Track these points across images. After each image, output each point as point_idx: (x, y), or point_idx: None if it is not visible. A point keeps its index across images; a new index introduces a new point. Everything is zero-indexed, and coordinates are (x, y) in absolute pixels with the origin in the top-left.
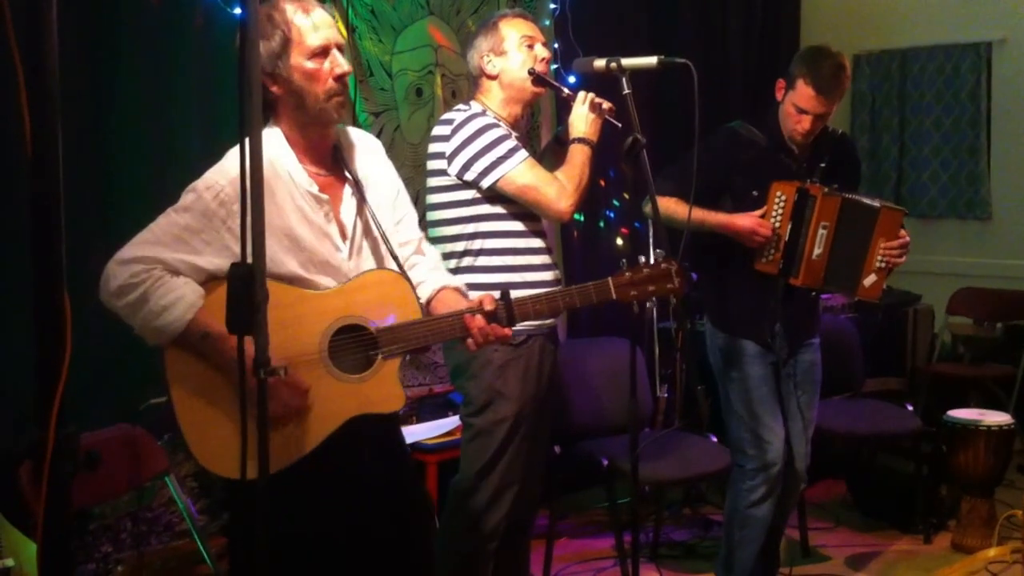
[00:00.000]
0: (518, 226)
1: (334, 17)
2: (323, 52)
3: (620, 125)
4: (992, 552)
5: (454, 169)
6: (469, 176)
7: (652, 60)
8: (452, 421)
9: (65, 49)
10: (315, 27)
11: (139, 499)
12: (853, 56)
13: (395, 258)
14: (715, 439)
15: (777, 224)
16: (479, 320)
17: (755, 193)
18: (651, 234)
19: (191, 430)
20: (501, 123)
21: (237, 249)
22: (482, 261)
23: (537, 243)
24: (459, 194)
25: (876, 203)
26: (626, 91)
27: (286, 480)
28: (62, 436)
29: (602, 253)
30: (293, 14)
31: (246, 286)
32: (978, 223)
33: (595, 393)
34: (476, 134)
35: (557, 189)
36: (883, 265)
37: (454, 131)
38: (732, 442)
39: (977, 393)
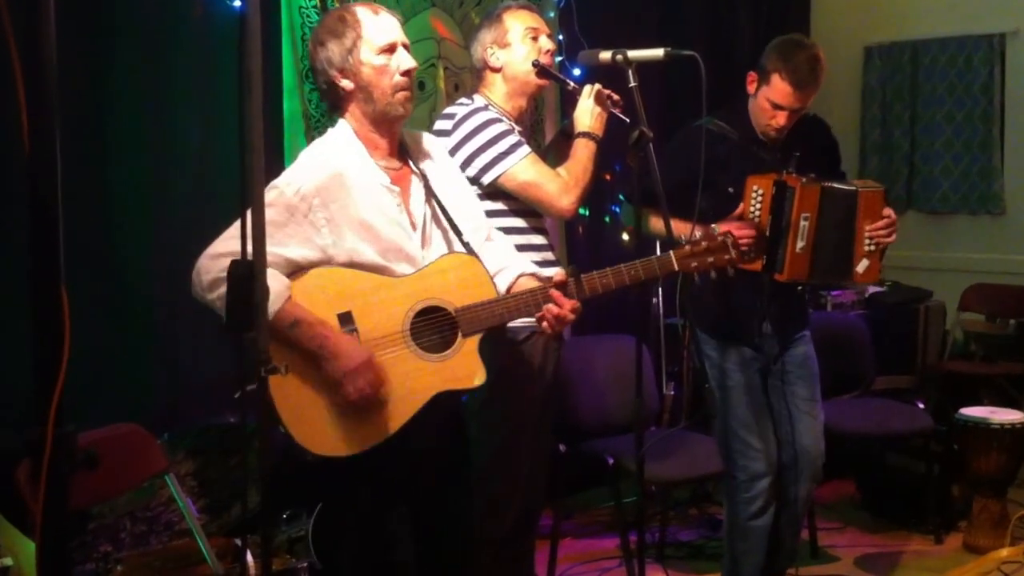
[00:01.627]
0: (519, 223)
1: (400, 21)
2: (390, 49)
3: (628, 120)
4: (1004, 552)
5: (455, 164)
6: (470, 172)
7: (659, 52)
8: None
9: (63, 45)
10: (383, 27)
11: (138, 498)
12: (864, 48)
13: (465, 244)
14: (719, 446)
15: (756, 220)
16: (556, 295)
17: (731, 190)
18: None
19: (289, 413)
20: (504, 117)
21: (319, 241)
22: None
23: (538, 240)
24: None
25: (853, 186)
26: (632, 84)
27: (380, 456)
28: (60, 435)
29: (607, 249)
30: (363, 15)
31: (247, 284)
32: (991, 218)
33: (601, 391)
34: (478, 129)
35: (560, 186)
36: (873, 248)
37: (455, 126)
38: (724, 452)
39: (989, 391)
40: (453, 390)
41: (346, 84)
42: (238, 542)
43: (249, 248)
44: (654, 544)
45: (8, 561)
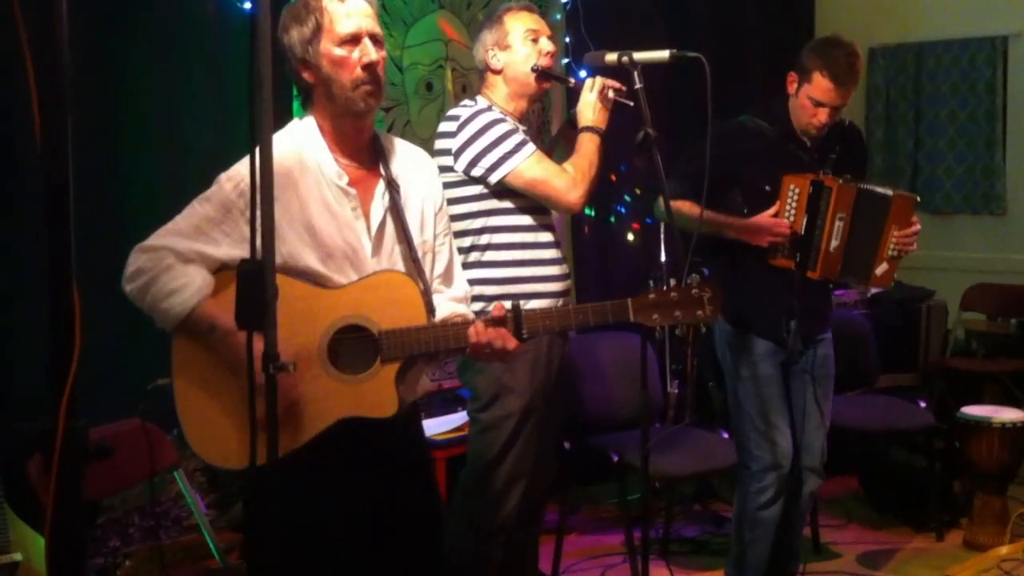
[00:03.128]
0: (526, 220)
1: (373, 7)
2: (353, 40)
3: (632, 104)
4: (1005, 549)
5: (461, 165)
6: (477, 172)
7: (664, 54)
8: (461, 417)
9: (77, 44)
10: (348, 14)
11: (148, 493)
12: (868, 49)
13: (415, 262)
14: (726, 435)
15: (792, 218)
16: (480, 329)
17: (767, 188)
18: (662, 230)
19: (189, 418)
20: (507, 118)
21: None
22: (489, 256)
23: (546, 237)
24: (465, 190)
25: (889, 191)
26: (638, 85)
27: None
28: (72, 428)
29: (613, 248)
30: (328, 1)
31: (256, 282)
32: (993, 218)
33: (606, 388)
34: (482, 130)
35: (567, 181)
36: (895, 253)
37: (460, 127)
38: (739, 442)
39: (991, 389)
40: (359, 417)
41: (307, 76)
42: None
43: (258, 245)
44: (658, 540)
45: (18, 556)
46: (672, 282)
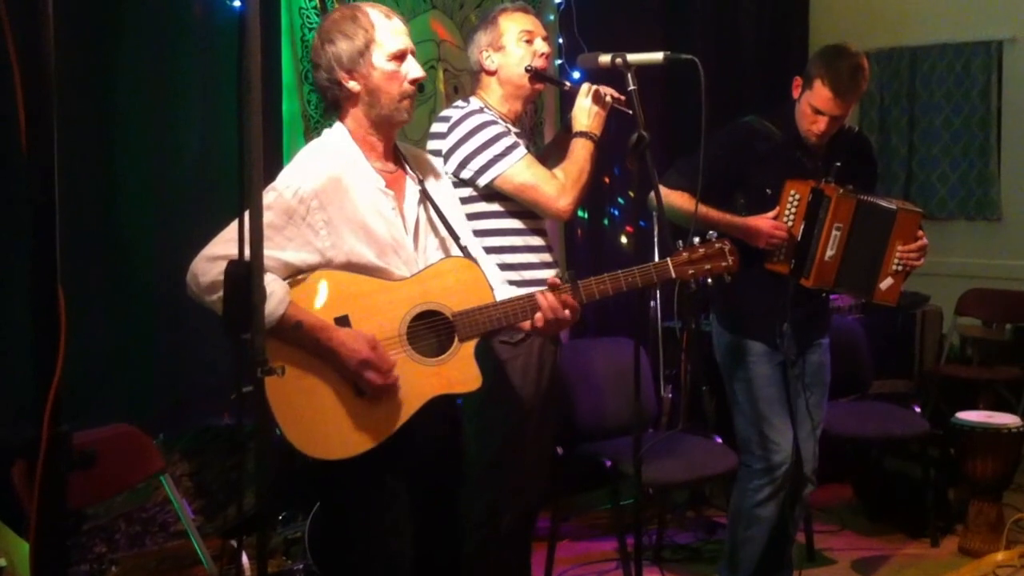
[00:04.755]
0: (517, 224)
1: (407, 27)
2: (401, 56)
3: (631, 112)
4: (1000, 556)
5: (451, 167)
6: (466, 174)
7: (658, 56)
8: None
9: (66, 45)
10: (395, 32)
11: (134, 499)
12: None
13: (462, 248)
14: (720, 440)
15: (790, 223)
16: (550, 297)
17: (769, 191)
18: (656, 231)
19: (285, 416)
20: (500, 120)
21: (318, 244)
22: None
23: (537, 241)
24: (456, 192)
25: (893, 205)
26: (631, 87)
27: (376, 458)
28: (56, 434)
29: (606, 252)
30: (377, 18)
31: (243, 285)
32: (987, 224)
33: (598, 394)
34: (473, 131)
35: (556, 187)
36: (900, 268)
37: (451, 128)
38: (740, 442)
39: (986, 395)
40: (449, 394)
41: (353, 86)
42: (234, 543)
43: (247, 250)
44: (651, 547)
45: (2, 562)
46: (696, 240)
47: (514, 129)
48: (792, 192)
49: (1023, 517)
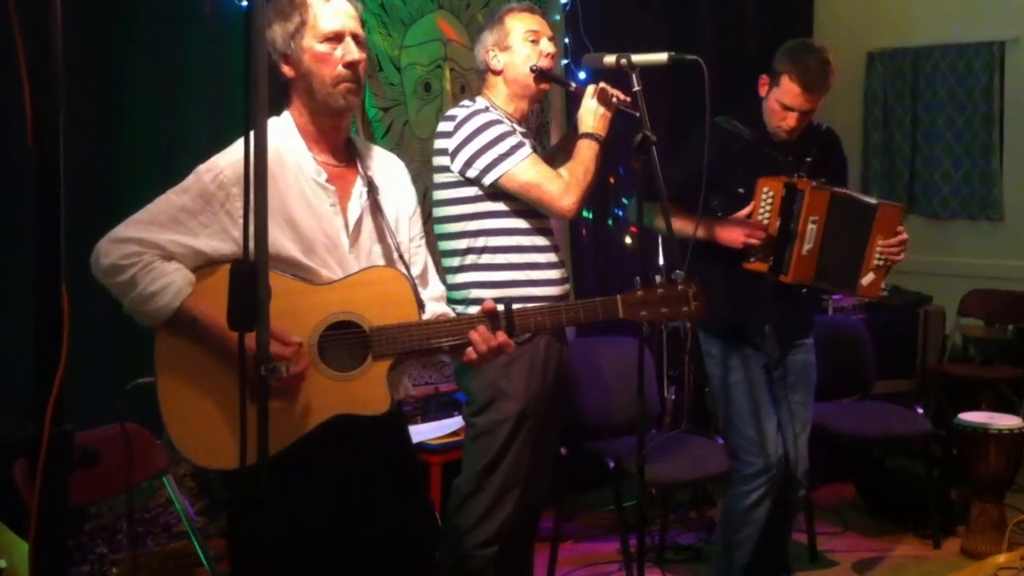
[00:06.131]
0: (522, 223)
1: (357, 10)
2: (336, 37)
3: (638, 114)
4: (1002, 558)
5: (457, 166)
6: (471, 173)
7: (663, 56)
8: (457, 421)
9: (75, 43)
10: (333, 12)
11: (136, 499)
12: (866, 53)
13: (403, 261)
14: (722, 441)
15: (765, 221)
16: (482, 330)
17: (741, 190)
18: (659, 237)
19: (172, 416)
20: (506, 119)
21: (235, 233)
22: (485, 259)
23: (543, 241)
24: (462, 191)
25: (873, 200)
26: (636, 87)
27: (275, 470)
28: (57, 433)
29: (612, 252)
30: None
31: (249, 283)
32: (990, 224)
33: (602, 393)
34: (479, 130)
35: (561, 186)
36: (881, 263)
37: (457, 127)
38: (731, 446)
39: (988, 395)
40: (351, 415)
41: (287, 70)
42: None
43: (251, 245)
44: (654, 547)
45: (2, 563)
46: (659, 279)
47: (520, 129)
48: (765, 189)
49: None
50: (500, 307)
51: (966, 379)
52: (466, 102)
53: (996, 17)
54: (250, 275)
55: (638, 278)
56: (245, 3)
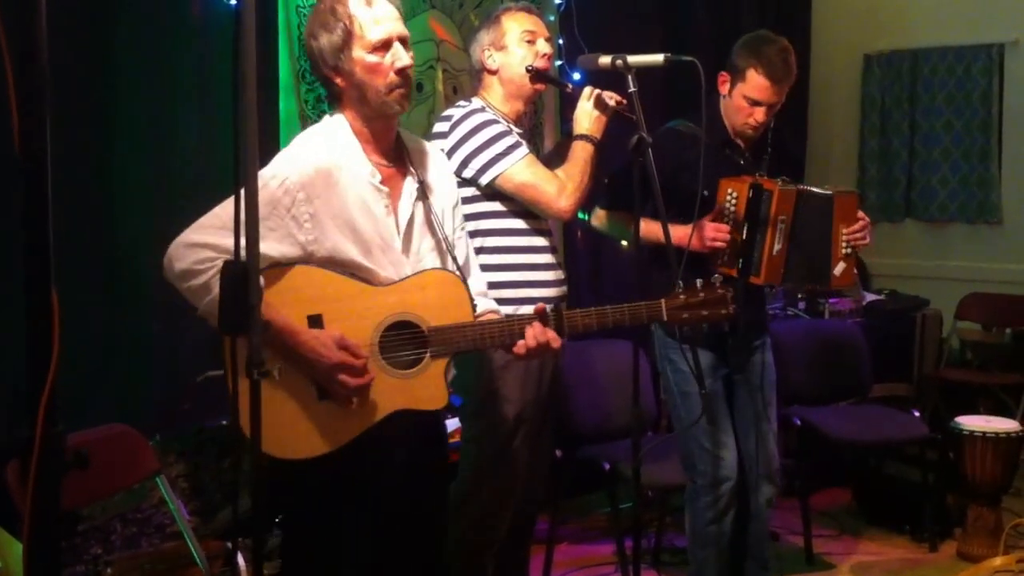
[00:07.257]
0: (519, 224)
1: (398, 10)
2: (384, 46)
3: (634, 117)
4: (998, 561)
5: (452, 166)
6: (467, 173)
7: (658, 58)
8: (452, 423)
9: (63, 43)
10: (376, 20)
11: (129, 500)
12: (863, 56)
13: (454, 259)
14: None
15: (731, 223)
16: (537, 327)
17: (706, 192)
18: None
19: (246, 413)
20: (501, 119)
21: (300, 237)
22: (482, 259)
23: (540, 242)
24: (459, 191)
25: (828, 191)
26: (632, 89)
27: (327, 463)
28: (49, 435)
29: (606, 254)
30: (355, 7)
31: (240, 285)
32: (988, 228)
33: (598, 396)
34: (474, 130)
35: (557, 187)
36: (849, 251)
37: (452, 127)
38: (684, 457)
39: (985, 400)
40: (412, 410)
41: (339, 82)
42: (229, 545)
43: (242, 246)
44: (650, 550)
45: None
46: (699, 282)
47: (516, 129)
48: (729, 191)
49: (1022, 522)
50: (549, 307)
51: (963, 383)
52: (462, 102)
53: (995, 19)
54: (241, 277)
55: (680, 282)
56: (234, 2)
